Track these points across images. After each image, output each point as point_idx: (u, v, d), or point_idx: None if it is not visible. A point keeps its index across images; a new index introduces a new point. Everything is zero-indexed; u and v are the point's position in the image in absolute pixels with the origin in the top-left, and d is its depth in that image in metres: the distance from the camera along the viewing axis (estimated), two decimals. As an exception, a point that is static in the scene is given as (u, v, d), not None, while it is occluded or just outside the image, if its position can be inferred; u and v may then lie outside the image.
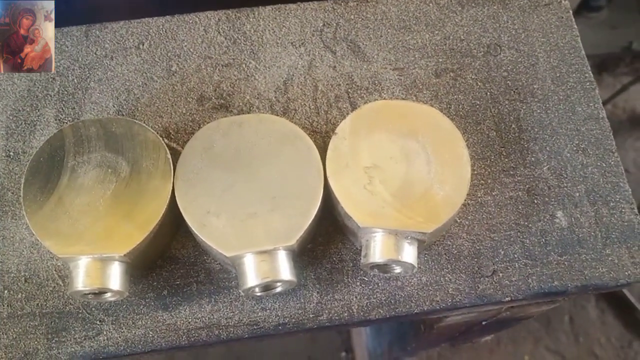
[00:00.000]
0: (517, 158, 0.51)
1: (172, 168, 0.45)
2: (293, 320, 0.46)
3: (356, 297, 0.47)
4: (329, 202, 0.47)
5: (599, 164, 0.51)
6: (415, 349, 0.86)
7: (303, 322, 0.46)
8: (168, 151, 0.46)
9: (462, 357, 1.62)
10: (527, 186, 0.50)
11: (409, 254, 0.45)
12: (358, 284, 0.48)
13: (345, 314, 0.47)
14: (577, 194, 0.50)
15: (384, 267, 0.46)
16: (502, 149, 0.51)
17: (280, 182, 0.45)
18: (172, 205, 0.45)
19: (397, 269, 0.46)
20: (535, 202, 0.50)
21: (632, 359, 1.62)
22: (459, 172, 0.46)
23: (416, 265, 0.45)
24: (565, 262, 0.48)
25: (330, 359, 1.57)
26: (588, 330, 1.67)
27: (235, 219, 0.44)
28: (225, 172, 0.46)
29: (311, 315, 0.47)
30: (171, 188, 0.45)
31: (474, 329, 0.63)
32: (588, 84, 0.54)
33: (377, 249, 0.44)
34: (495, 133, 0.52)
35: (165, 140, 0.50)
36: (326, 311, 0.47)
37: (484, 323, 0.60)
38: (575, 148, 0.52)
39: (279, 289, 0.45)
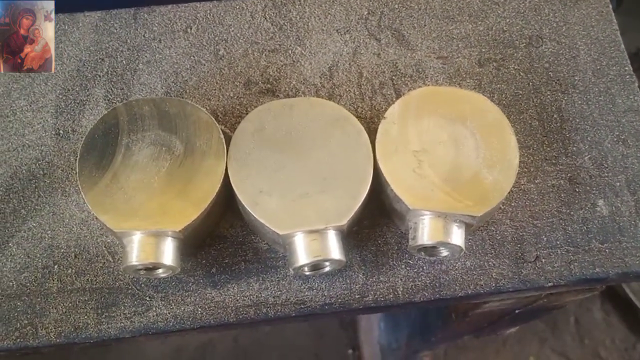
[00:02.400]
0: (559, 147, 0.52)
1: (225, 148, 0.46)
2: (339, 300, 0.47)
3: (401, 280, 0.48)
4: (376, 185, 0.47)
5: (639, 155, 0.52)
6: (440, 340, 0.86)
7: (349, 303, 0.47)
8: (221, 131, 0.47)
9: (469, 357, 1.63)
10: (569, 175, 0.51)
11: (458, 236, 0.45)
12: (403, 266, 0.48)
13: (391, 296, 0.47)
14: (618, 184, 0.51)
15: (431, 250, 0.47)
16: (545, 138, 0.52)
17: (330, 164, 0.46)
18: (224, 184, 0.45)
19: (445, 252, 0.47)
20: (577, 190, 0.51)
21: (636, 360, 1.63)
22: (507, 158, 0.47)
23: (464, 248, 0.45)
24: (607, 250, 0.49)
25: (336, 356, 1.58)
26: (593, 332, 1.67)
27: (287, 199, 0.45)
28: (276, 153, 0.46)
29: (357, 296, 0.47)
30: (224, 167, 0.45)
31: (506, 318, 0.64)
32: (628, 77, 0.55)
33: (426, 231, 0.45)
34: (537, 122, 0.53)
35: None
36: (372, 292, 0.47)
37: (517, 312, 0.61)
38: (615, 139, 0.52)
39: (327, 269, 0.46)
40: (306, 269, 0.45)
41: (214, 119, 0.47)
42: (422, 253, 0.47)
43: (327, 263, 0.45)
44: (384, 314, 1.10)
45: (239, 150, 0.46)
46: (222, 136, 0.47)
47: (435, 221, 0.45)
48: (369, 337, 1.41)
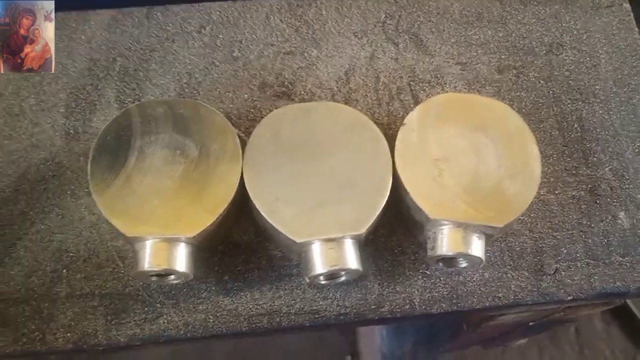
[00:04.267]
0: (580, 158, 0.51)
1: (240, 153, 0.45)
2: (354, 310, 0.46)
3: (418, 290, 0.47)
4: (395, 194, 0.46)
5: (660, 166, 0.51)
6: (448, 350, 0.85)
7: (364, 313, 0.46)
8: (236, 135, 0.45)
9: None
10: (589, 186, 0.50)
11: (478, 247, 0.44)
12: (420, 277, 0.47)
13: (407, 307, 0.46)
14: (639, 196, 0.50)
15: (450, 261, 0.46)
16: (565, 148, 0.51)
17: (348, 172, 0.45)
18: (239, 190, 0.44)
19: (464, 263, 0.45)
20: (598, 202, 0.50)
21: (636, 371, 1.62)
22: (529, 168, 0.45)
23: (484, 260, 0.44)
24: (627, 263, 0.48)
25: (335, 362, 1.56)
26: (593, 342, 1.66)
27: (304, 207, 0.43)
28: (293, 160, 0.45)
29: (373, 307, 0.46)
30: (240, 173, 0.44)
31: (518, 330, 0.63)
32: (650, 87, 0.54)
33: (445, 242, 0.44)
34: (557, 132, 0.52)
35: (228, 126, 0.50)
36: (387, 303, 0.46)
37: (531, 324, 0.60)
38: (637, 150, 0.51)
39: (343, 278, 0.45)
40: (322, 278, 0.44)
41: (229, 122, 0.46)
42: (441, 264, 0.46)
43: (343, 272, 0.44)
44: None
45: (254, 156, 0.45)
46: (237, 140, 0.45)
47: (455, 232, 0.44)
48: (370, 344, 1.40)
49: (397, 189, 0.46)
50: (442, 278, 0.47)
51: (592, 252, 0.48)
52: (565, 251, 0.48)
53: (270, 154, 0.45)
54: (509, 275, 0.47)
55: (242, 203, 0.46)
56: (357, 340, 1.52)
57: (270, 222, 0.43)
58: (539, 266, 0.48)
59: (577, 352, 1.64)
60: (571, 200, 0.50)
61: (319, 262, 0.43)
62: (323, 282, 0.45)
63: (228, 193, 0.44)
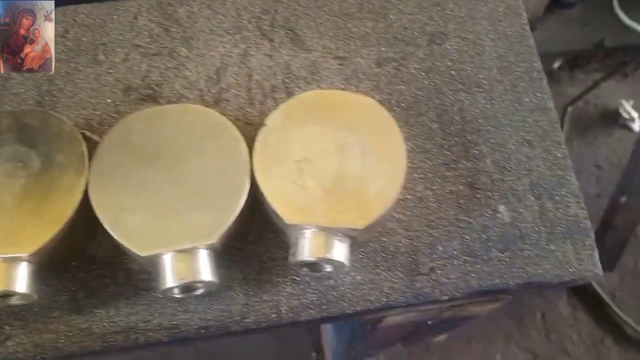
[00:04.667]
0: (460, 151, 0.49)
1: (87, 162, 0.42)
2: (217, 323, 0.44)
3: (286, 298, 0.45)
4: (258, 198, 0.44)
5: (544, 156, 0.49)
6: (367, 349, 0.84)
7: (228, 325, 0.44)
8: (84, 144, 0.43)
9: (435, 356, 1.61)
10: (469, 180, 0.48)
11: (340, 251, 0.42)
12: (288, 283, 0.45)
13: (274, 315, 0.44)
14: (521, 188, 0.48)
15: (314, 266, 0.44)
16: (444, 141, 0.49)
17: (203, 177, 0.43)
18: (87, 201, 0.42)
19: (328, 268, 0.43)
20: (477, 196, 0.48)
21: (604, 355, 1.62)
22: (394, 166, 0.43)
23: (347, 264, 0.42)
24: (507, 259, 0.46)
25: (300, 360, 1.55)
26: (560, 328, 1.66)
27: (152, 216, 0.41)
28: (144, 167, 0.43)
29: (237, 318, 0.44)
30: (85, 183, 0.42)
31: (422, 329, 0.61)
32: (535, 73, 0.52)
33: (306, 247, 0.42)
34: (437, 125, 0.50)
35: (88, 133, 0.47)
36: (253, 313, 0.44)
37: (429, 323, 0.58)
38: (520, 140, 0.50)
39: (200, 291, 0.42)
40: (175, 291, 0.42)
41: (78, 131, 0.43)
42: (306, 269, 0.44)
43: (199, 285, 0.42)
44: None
45: (102, 164, 0.43)
46: (85, 149, 0.43)
47: (316, 236, 0.42)
48: (327, 340, 1.39)
49: (257, 194, 0.43)
50: (311, 284, 0.45)
51: (470, 249, 0.46)
52: (441, 249, 0.46)
53: (119, 162, 0.43)
54: (381, 276, 0.45)
55: (95, 215, 0.43)
56: (321, 337, 1.51)
57: (113, 234, 0.41)
58: (414, 266, 0.46)
59: (544, 338, 1.64)
60: (449, 196, 0.48)
61: (169, 276, 0.40)
62: (179, 296, 0.42)
63: (69, 206, 0.41)
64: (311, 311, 0.44)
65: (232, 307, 0.44)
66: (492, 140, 0.49)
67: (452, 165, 0.48)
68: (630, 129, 1.77)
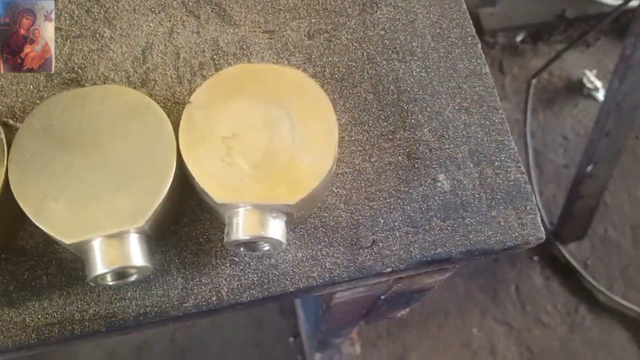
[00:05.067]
0: (397, 121, 0.48)
1: (6, 150, 0.41)
2: (155, 309, 0.43)
3: (226, 280, 0.44)
4: (185, 179, 0.43)
5: (482, 122, 0.49)
6: (331, 330, 0.83)
7: (167, 311, 0.43)
8: (2, 132, 0.41)
9: (412, 333, 1.62)
10: (407, 150, 0.47)
11: (275, 229, 0.41)
12: (228, 264, 0.44)
13: (214, 298, 0.43)
14: (460, 155, 0.48)
15: (250, 245, 0.43)
16: (381, 112, 0.48)
17: (127, 159, 0.41)
18: (9, 192, 0.40)
19: (265, 246, 0.43)
20: (416, 166, 0.47)
21: (578, 324, 1.64)
22: (325, 139, 0.42)
23: (284, 241, 0.41)
24: (449, 228, 0.46)
25: (278, 346, 1.55)
26: (534, 299, 1.68)
27: (77, 202, 0.40)
28: (65, 152, 0.41)
29: (176, 303, 0.43)
30: (4, 173, 0.40)
31: (378, 305, 0.60)
32: (470, 39, 0.51)
33: (240, 226, 0.41)
34: (372, 96, 0.49)
35: (11, 121, 0.46)
36: (192, 297, 0.43)
37: (382, 297, 0.58)
38: (457, 107, 0.49)
39: (134, 277, 0.41)
40: (108, 278, 0.41)
41: (-4, 119, 0.42)
42: (242, 249, 0.43)
43: (132, 271, 0.41)
44: (301, 301, 1.07)
45: (21, 152, 0.41)
46: (2, 137, 0.41)
47: (249, 214, 0.41)
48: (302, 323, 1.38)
49: (186, 174, 0.42)
50: (252, 264, 0.44)
51: (411, 219, 0.46)
52: (382, 221, 0.46)
53: (39, 149, 0.41)
54: (323, 252, 0.45)
55: (17, 206, 0.42)
56: (298, 322, 1.51)
57: (37, 223, 0.39)
58: (355, 239, 0.45)
59: (519, 310, 1.66)
60: (388, 167, 0.47)
61: (99, 262, 0.39)
62: (112, 283, 0.41)
63: (-12, 197, 0.40)
64: (253, 292, 0.43)
65: (170, 292, 0.43)
66: (428, 109, 0.49)
67: (390, 136, 0.48)
68: (594, 99, 1.79)
